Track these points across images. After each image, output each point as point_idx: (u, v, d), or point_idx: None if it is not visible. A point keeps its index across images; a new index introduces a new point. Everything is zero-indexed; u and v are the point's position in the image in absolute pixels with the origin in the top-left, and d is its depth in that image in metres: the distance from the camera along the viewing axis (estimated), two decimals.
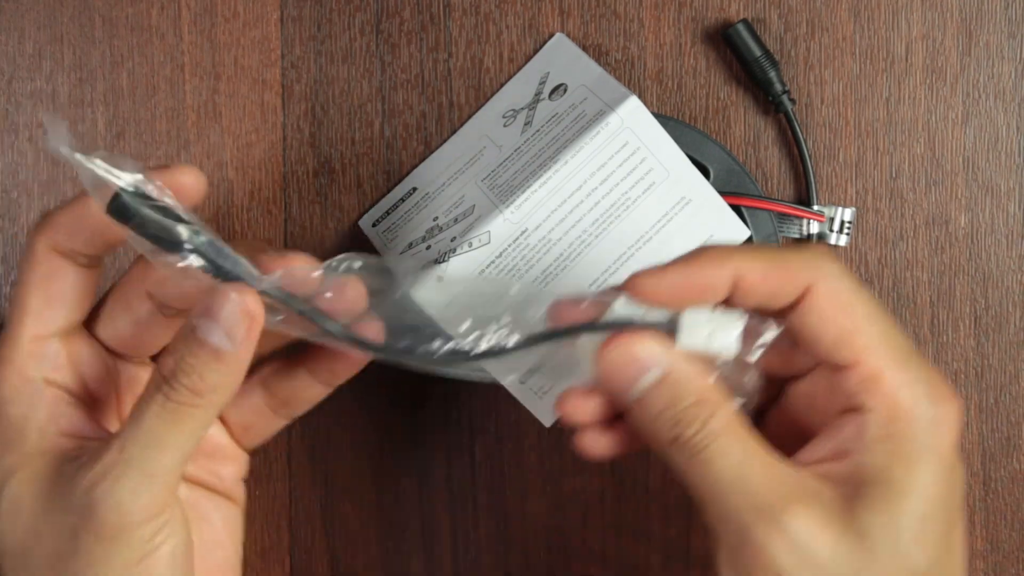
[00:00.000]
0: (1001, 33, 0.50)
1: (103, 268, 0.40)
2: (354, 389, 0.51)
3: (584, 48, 0.50)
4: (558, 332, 0.37)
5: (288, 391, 0.43)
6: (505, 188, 0.46)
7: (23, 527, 0.37)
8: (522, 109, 0.48)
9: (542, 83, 0.49)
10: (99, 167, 0.35)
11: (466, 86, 0.50)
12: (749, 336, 0.36)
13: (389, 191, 0.50)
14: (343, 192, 0.51)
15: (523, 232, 0.45)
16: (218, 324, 0.35)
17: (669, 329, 0.36)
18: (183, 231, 0.35)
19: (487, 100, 0.50)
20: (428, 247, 0.46)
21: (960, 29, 0.50)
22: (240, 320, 0.35)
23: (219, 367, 0.35)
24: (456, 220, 0.46)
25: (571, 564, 0.51)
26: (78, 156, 0.35)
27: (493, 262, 0.45)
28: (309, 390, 0.43)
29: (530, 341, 0.37)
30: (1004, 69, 0.50)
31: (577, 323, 0.37)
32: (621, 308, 0.36)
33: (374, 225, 0.49)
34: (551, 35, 0.50)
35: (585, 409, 0.38)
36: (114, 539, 0.35)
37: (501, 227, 0.45)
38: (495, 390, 0.48)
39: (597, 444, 0.38)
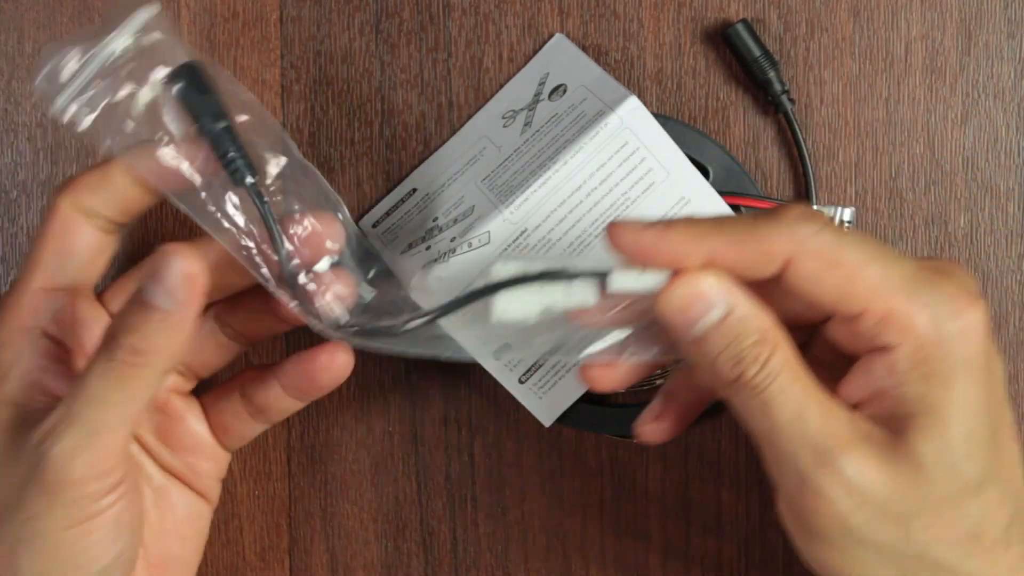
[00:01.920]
0: (1000, 33, 0.50)
1: (122, 241, 0.41)
2: (354, 389, 0.51)
3: (584, 48, 0.50)
4: (512, 281, 0.37)
5: (263, 400, 0.43)
6: (505, 188, 0.46)
7: None
8: (522, 110, 0.48)
9: (541, 84, 0.49)
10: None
11: (465, 86, 0.50)
12: None
13: (389, 192, 0.50)
14: (343, 192, 0.50)
15: (523, 232, 0.45)
16: (161, 286, 0.36)
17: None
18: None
19: (487, 101, 0.50)
20: (428, 247, 0.46)
21: (959, 29, 0.50)
22: (182, 282, 0.36)
23: (161, 327, 0.36)
24: (456, 220, 0.46)
25: (571, 564, 0.51)
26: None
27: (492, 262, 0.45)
28: (283, 402, 0.43)
29: (482, 292, 0.37)
30: (1003, 69, 0.50)
31: (524, 275, 0.37)
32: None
33: (374, 226, 0.49)
34: (551, 35, 0.50)
35: (611, 377, 0.39)
36: (55, 494, 0.36)
37: (501, 227, 0.45)
38: (495, 390, 0.48)
39: (656, 433, 0.40)
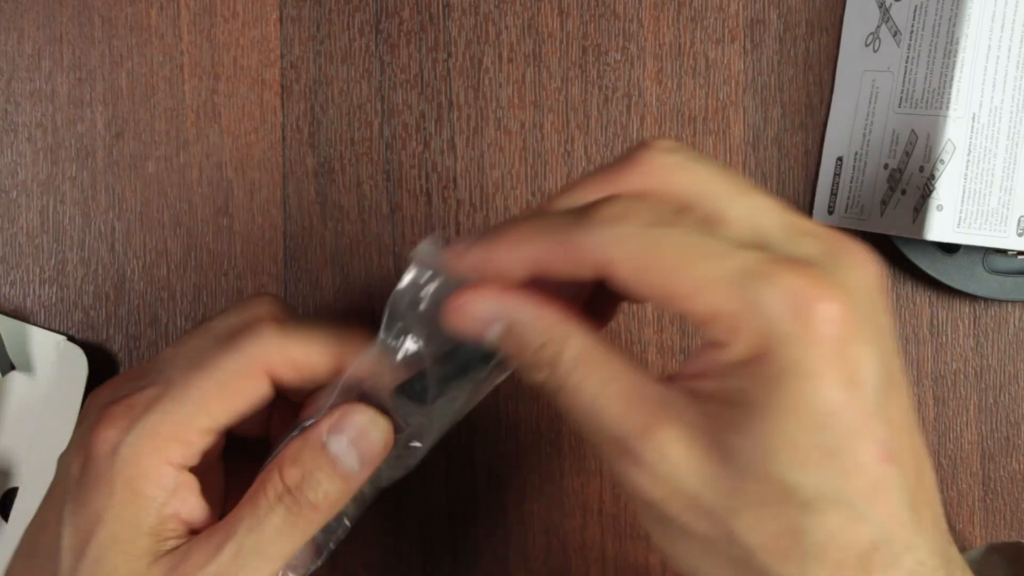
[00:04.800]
0: None
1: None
2: None
3: (583, 48, 0.50)
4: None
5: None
6: (928, 97, 0.45)
7: None
8: (879, 26, 0.48)
9: None
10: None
11: (465, 86, 0.50)
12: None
13: (816, 179, 0.49)
14: (343, 192, 0.50)
15: (973, 117, 0.45)
16: (353, 446, 0.36)
17: None
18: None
19: (836, 47, 0.49)
20: (903, 192, 0.46)
21: None
22: (376, 446, 0.36)
23: (343, 486, 0.36)
24: (908, 153, 0.46)
25: (571, 564, 0.51)
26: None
27: (968, 162, 0.45)
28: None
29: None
30: None
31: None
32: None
33: (830, 212, 0.49)
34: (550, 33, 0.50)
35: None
36: None
37: (955, 128, 0.45)
38: (495, 390, 0.48)
39: None
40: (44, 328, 0.50)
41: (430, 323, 0.35)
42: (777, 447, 0.30)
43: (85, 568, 0.36)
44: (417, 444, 0.38)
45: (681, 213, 0.32)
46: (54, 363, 0.49)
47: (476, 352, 0.35)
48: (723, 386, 0.31)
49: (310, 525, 0.36)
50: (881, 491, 0.31)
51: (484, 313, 0.34)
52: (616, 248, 0.31)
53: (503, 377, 0.36)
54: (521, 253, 0.33)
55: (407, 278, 0.35)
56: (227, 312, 0.39)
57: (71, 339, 0.50)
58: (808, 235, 0.32)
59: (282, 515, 0.36)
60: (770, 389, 0.30)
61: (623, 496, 0.34)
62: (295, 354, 0.37)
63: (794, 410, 0.30)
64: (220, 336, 0.38)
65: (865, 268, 0.32)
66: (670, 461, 0.31)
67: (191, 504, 0.38)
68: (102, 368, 0.51)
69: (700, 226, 0.32)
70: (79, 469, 0.37)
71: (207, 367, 0.37)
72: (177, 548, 0.36)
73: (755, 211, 0.32)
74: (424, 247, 0.35)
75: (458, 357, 0.36)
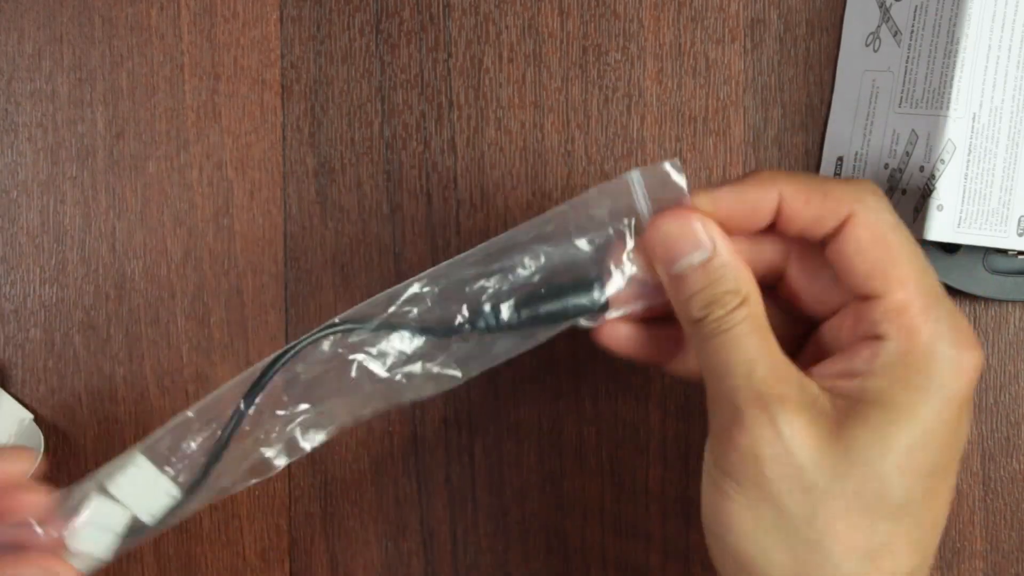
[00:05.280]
0: None
1: None
2: None
3: (584, 48, 0.50)
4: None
5: None
6: (928, 97, 0.45)
7: None
8: (879, 25, 0.48)
9: None
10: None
11: (465, 86, 0.50)
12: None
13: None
14: (343, 192, 0.50)
15: (974, 117, 0.45)
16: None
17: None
18: None
19: (836, 47, 0.49)
20: (904, 192, 0.46)
21: None
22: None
23: None
24: (908, 153, 0.46)
25: (571, 564, 0.51)
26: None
27: (968, 162, 0.45)
28: None
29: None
30: None
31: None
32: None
33: None
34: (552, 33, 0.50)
35: (619, 335, 0.39)
36: None
37: (955, 129, 0.45)
38: (495, 390, 0.48)
39: (617, 335, 0.39)
40: (17, 400, 0.50)
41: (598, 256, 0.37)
42: (896, 451, 0.34)
43: None
44: (456, 373, 0.39)
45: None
46: (11, 437, 0.49)
47: (582, 301, 0.37)
48: (864, 386, 0.35)
49: None
50: (936, 528, 0.36)
51: (700, 235, 0.36)
52: (867, 210, 0.35)
53: (544, 338, 0.38)
54: (771, 192, 0.36)
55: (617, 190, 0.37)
56: None
57: (37, 420, 0.50)
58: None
59: None
60: (913, 397, 0.34)
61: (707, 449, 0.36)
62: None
63: (922, 425, 0.34)
64: None
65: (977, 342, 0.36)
66: (795, 432, 0.34)
67: None
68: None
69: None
70: None
71: None
72: None
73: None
74: (658, 169, 0.36)
75: (558, 296, 0.37)
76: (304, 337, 0.38)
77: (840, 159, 0.49)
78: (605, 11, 0.50)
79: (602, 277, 0.38)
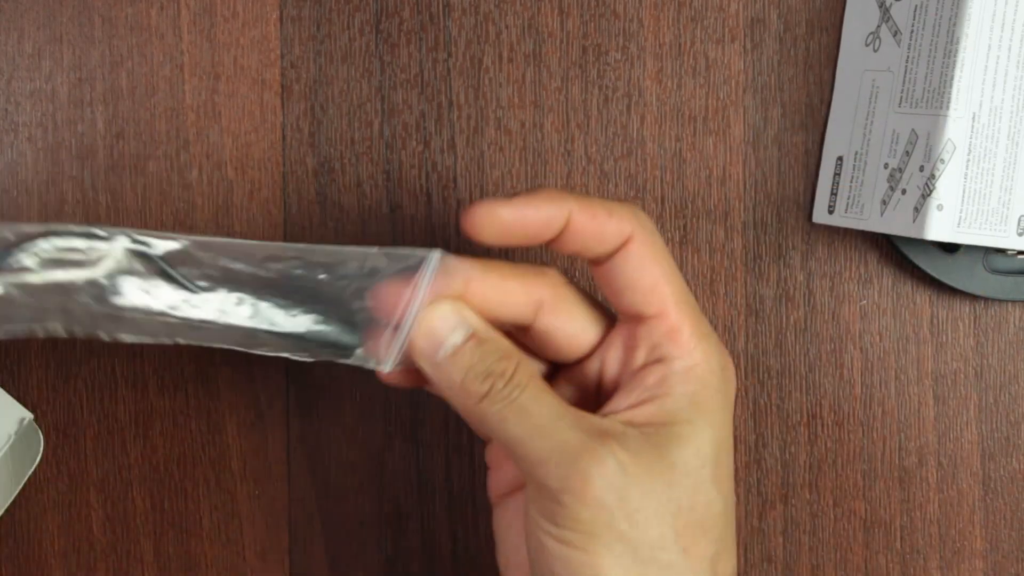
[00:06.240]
0: None
1: None
2: (354, 390, 0.51)
3: (584, 48, 0.50)
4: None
5: None
6: (928, 96, 0.45)
7: None
8: (879, 25, 0.48)
9: None
10: None
11: (465, 86, 0.50)
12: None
13: (817, 177, 0.49)
14: (343, 192, 0.51)
15: (974, 117, 0.45)
16: None
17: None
18: None
19: (836, 47, 0.49)
20: (903, 192, 0.46)
21: None
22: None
23: None
24: (908, 153, 0.46)
25: None
26: None
27: (968, 162, 0.45)
28: None
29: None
30: None
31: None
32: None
33: (830, 212, 0.48)
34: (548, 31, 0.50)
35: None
36: None
37: (955, 129, 0.45)
38: None
39: (396, 377, 0.40)
40: (17, 400, 0.50)
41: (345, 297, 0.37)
42: (709, 462, 0.37)
43: None
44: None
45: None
46: (11, 437, 0.49)
47: (340, 336, 0.38)
48: (662, 408, 0.37)
49: None
50: (731, 512, 0.38)
51: (452, 317, 0.37)
52: (643, 230, 0.37)
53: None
54: (562, 207, 0.37)
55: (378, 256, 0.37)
56: None
57: (37, 420, 0.50)
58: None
59: None
60: (705, 411, 0.37)
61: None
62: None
63: (718, 432, 0.37)
64: None
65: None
66: (628, 465, 0.35)
67: None
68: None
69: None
70: None
71: None
72: None
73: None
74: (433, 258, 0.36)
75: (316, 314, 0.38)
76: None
77: (840, 159, 0.48)
78: (605, 11, 0.50)
79: (365, 330, 0.38)
